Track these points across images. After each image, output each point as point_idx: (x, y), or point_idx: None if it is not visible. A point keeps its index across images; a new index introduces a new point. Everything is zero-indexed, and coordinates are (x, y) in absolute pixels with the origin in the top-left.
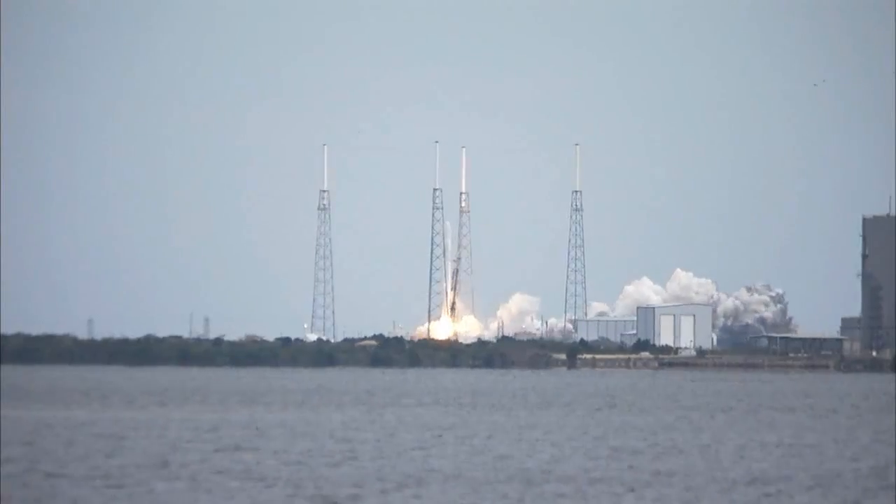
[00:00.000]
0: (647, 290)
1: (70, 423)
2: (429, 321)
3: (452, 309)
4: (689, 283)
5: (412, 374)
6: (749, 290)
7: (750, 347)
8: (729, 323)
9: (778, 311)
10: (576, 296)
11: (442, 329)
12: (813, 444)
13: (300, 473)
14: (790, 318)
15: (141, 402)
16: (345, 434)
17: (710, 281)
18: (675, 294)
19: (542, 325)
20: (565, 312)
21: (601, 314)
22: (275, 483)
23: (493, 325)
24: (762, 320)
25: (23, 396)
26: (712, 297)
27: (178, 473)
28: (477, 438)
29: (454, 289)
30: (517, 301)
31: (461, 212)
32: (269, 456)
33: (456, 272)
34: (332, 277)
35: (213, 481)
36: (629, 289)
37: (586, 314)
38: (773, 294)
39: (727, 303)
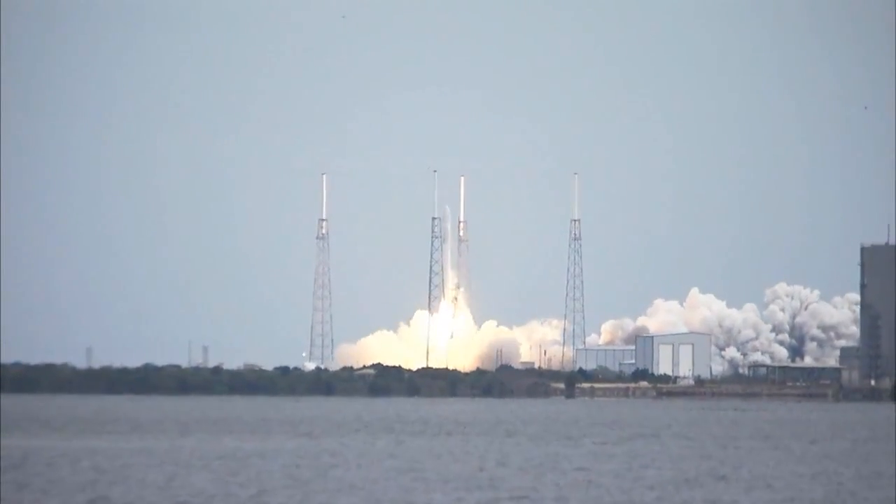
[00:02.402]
0: (670, 316)
1: (57, 453)
2: (428, 348)
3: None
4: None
5: (412, 404)
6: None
7: (748, 376)
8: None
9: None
10: (574, 324)
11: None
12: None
13: None
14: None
15: (137, 431)
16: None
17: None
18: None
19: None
20: (563, 342)
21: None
22: None
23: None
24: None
25: (19, 425)
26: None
27: None
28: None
29: (453, 316)
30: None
31: (460, 240)
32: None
33: (455, 300)
34: (330, 306)
35: None
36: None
37: (585, 343)
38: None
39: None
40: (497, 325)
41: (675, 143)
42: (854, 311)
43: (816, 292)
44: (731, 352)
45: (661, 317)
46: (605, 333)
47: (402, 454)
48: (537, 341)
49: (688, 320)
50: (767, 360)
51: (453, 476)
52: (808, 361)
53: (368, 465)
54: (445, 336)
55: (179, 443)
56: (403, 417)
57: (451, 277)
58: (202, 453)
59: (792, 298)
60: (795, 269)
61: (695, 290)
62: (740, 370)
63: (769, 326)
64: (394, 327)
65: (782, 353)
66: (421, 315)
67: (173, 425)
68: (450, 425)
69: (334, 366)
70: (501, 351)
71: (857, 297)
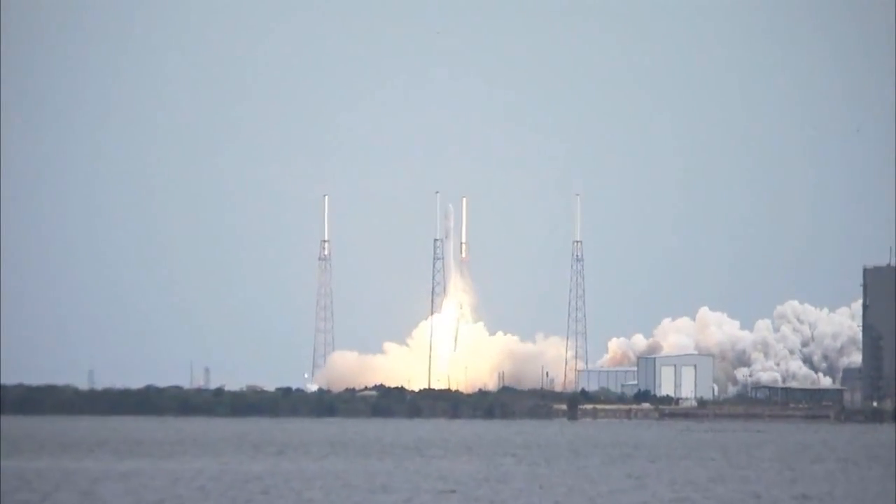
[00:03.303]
0: (681, 338)
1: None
2: (429, 370)
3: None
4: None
5: (413, 425)
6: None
7: (750, 398)
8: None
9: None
10: (577, 346)
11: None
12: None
13: None
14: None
15: (137, 452)
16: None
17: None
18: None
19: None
20: (566, 362)
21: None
22: None
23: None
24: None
25: (21, 447)
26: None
27: None
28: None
29: (455, 339)
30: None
31: (461, 262)
32: None
33: (458, 321)
34: (332, 328)
35: None
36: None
37: (587, 364)
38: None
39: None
40: (509, 336)
41: (678, 164)
42: (855, 330)
43: (825, 310)
44: (745, 372)
45: (672, 338)
46: (612, 353)
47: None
48: (550, 359)
49: (699, 341)
50: (779, 381)
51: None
52: (826, 383)
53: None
54: (449, 350)
55: (178, 464)
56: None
57: (453, 291)
58: (201, 474)
59: (801, 321)
60: (803, 287)
61: (704, 310)
62: (749, 392)
63: (782, 346)
64: (396, 344)
65: (800, 373)
66: (423, 332)
67: (173, 446)
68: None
69: (324, 382)
70: (504, 373)
71: (859, 316)
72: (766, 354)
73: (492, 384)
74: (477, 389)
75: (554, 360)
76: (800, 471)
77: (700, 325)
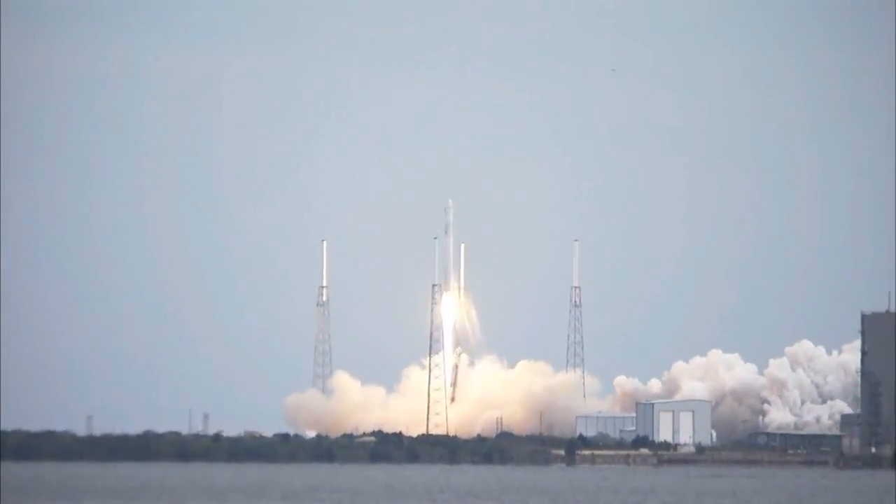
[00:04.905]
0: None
1: None
2: (427, 415)
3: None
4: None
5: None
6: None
7: (749, 444)
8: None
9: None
10: (574, 391)
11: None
12: None
13: None
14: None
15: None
16: None
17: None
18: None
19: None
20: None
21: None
22: None
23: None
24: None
25: (20, 493)
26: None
27: None
28: None
29: (454, 384)
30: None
31: (461, 307)
32: None
33: (456, 367)
34: (331, 373)
35: None
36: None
37: (584, 405)
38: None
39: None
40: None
41: (676, 211)
42: (848, 376)
43: (835, 353)
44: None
45: (684, 382)
46: (620, 391)
47: None
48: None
49: (714, 387)
50: (792, 426)
51: None
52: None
53: None
54: (447, 394)
55: None
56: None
57: (451, 335)
58: None
59: (811, 362)
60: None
61: (717, 352)
62: (748, 438)
63: (796, 392)
64: (393, 389)
65: (823, 418)
66: (421, 377)
67: (171, 492)
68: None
69: (322, 428)
70: (501, 418)
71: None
72: (783, 398)
73: (489, 430)
74: (475, 435)
75: (561, 401)
76: None
77: (711, 368)
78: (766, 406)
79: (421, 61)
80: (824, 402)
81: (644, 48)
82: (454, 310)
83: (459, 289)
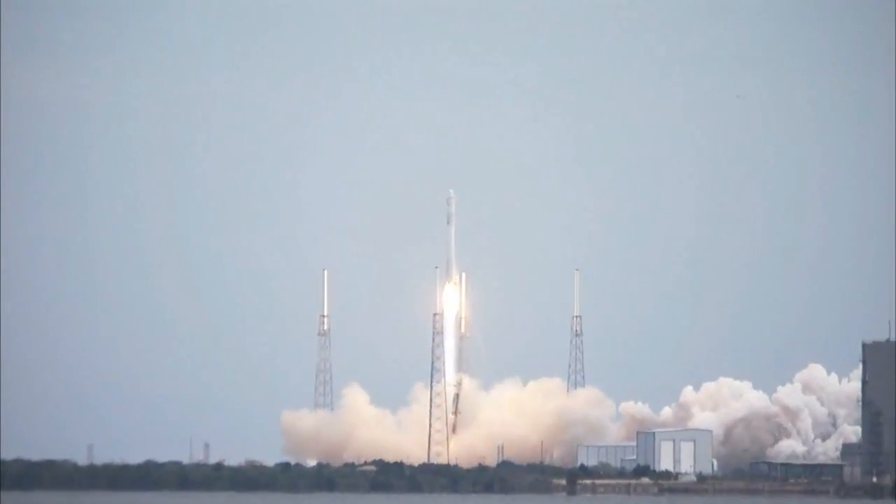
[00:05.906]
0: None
1: None
2: (429, 445)
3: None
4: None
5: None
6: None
7: (750, 473)
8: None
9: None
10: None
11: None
12: None
13: None
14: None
15: None
16: None
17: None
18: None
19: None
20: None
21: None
22: None
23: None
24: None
25: None
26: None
27: None
28: None
29: (455, 413)
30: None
31: (461, 337)
32: None
33: (456, 397)
34: (331, 402)
35: None
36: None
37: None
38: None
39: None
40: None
41: (677, 239)
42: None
43: (845, 380)
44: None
45: (697, 413)
46: (628, 416)
47: None
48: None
49: (723, 418)
50: (800, 456)
51: None
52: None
53: None
54: (448, 423)
55: None
56: None
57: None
58: None
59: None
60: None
61: (728, 380)
62: (748, 467)
63: (809, 421)
64: (396, 417)
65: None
66: (422, 407)
67: None
68: None
69: (322, 457)
70: (503, 446)
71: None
72: (796, 427)
73: (490, 458)
74: (476, 464)
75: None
76: None
77: (720, 397)
78: (779, 434)
79: (420, 80)
80: (836, 429)
81: (650, 66)
82: (456, 338)
83: (460, 319)
